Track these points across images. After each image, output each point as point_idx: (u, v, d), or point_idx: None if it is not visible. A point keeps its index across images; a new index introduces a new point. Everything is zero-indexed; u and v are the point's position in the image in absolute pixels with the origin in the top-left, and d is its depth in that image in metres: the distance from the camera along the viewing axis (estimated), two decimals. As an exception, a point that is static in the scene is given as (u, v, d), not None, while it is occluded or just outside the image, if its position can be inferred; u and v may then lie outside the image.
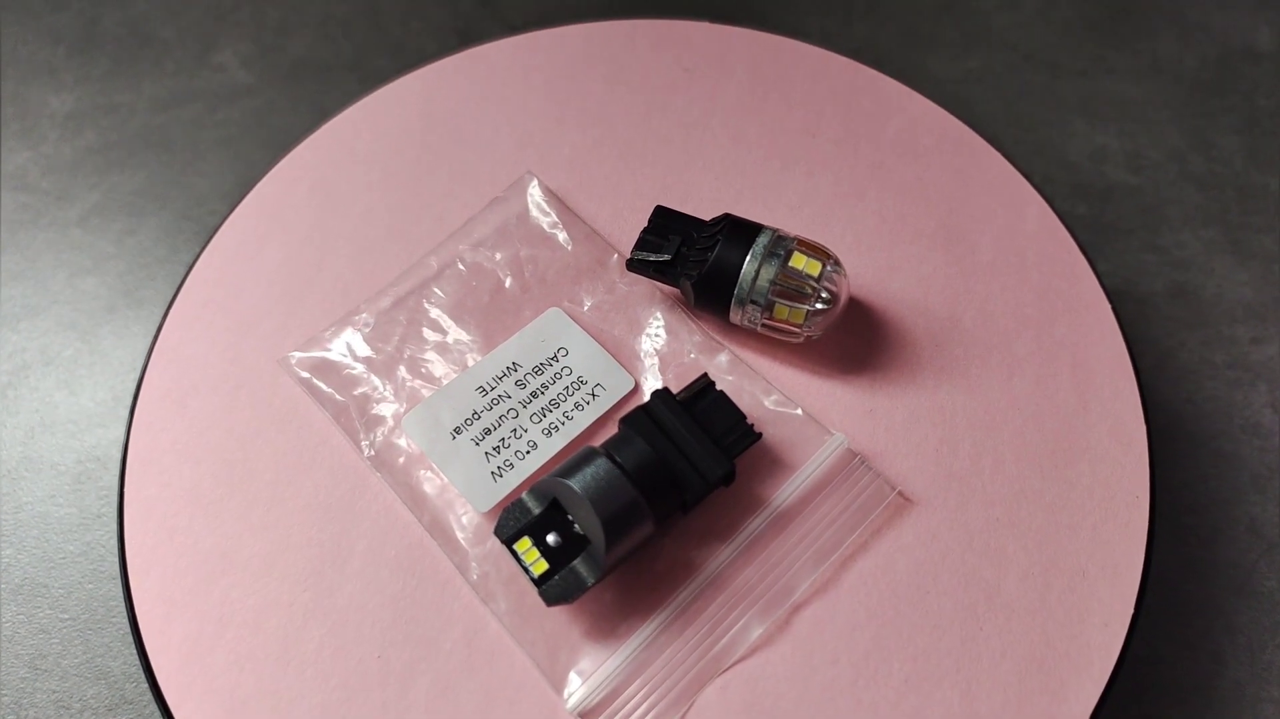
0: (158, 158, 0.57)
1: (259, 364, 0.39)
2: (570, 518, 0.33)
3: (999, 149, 0.43)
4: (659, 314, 0.39)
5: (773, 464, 0.36)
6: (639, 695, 0.32)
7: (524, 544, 0.32)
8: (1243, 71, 0.61)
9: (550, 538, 0.32)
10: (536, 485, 0.33)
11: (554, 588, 0.32)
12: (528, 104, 0.45)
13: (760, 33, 0.45)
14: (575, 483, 0.32)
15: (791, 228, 0.39)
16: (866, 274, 0.40)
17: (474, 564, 0.34)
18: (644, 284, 0.39)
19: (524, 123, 0.44)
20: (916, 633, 0.33)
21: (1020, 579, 0.34)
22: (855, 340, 0.39)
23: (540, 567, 0.32)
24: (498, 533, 0.32)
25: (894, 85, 0.44)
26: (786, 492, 0.35)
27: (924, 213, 0.41)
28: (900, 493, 0.35)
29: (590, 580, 0.32)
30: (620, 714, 0.32)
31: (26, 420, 0.48)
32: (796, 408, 0.37)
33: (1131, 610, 0.34)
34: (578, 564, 0.32)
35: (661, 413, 0.34)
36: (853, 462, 0.36)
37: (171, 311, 0.40)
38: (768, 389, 0.37)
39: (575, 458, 0.33)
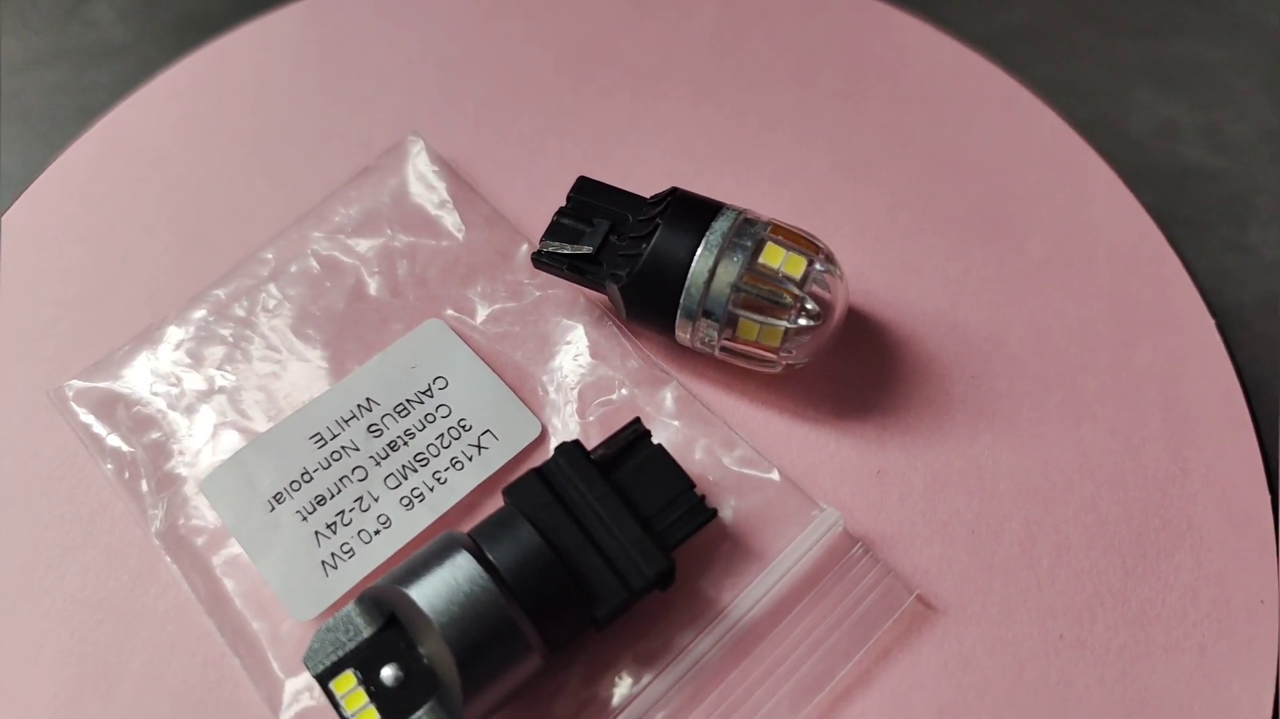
0: (10, 130, 0.46)
1: (28, 397, 0.28)
2: (416, 643, 0.22)
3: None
4: (582, 330, 0.28)
5: (734, 553, 0.25)
6: None
7: (345, 682, 0.21)
8: None
9: (387, 672, 0.21)
10: (368, 592, 0.22)
11: (390, 753, 0.21)
12: (426, 44, 0.33)
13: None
14: (418, 594, 0.21)
15: (770, 210, 0.28)
16: (874, 276, 0.29)
17: (287, 699, 0.23)
18: (563, 286, 0.28)
19: (418, 69, 0.33)
20: (942, 817, 0.22)
21: (1098, 732, 0.23)
22: (857, 370, 0.27)
23: (368, 717, 0.21)
24: (308, 662, 0.21)
25: (914, 24, 0.33)
26: (753, 596, 0.24)
27: (955, 192, 0.30)
28: (920, 597, 0.24)
29: (444, 740, 0.21)
30: None
31: None
32: (772, 469, 0.25)
33: (1264, 782, 0.23)
34: (424, 716, 0.21)
35: (567, 480, 0.23)
36: (852, 550, 0.24)
37: (-76, 321, 0.30)
38: (731, 440, 0.26)
39: (425, 552, 0.22)
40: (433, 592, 0.21)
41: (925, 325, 0.28)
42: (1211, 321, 0.28)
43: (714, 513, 0.24)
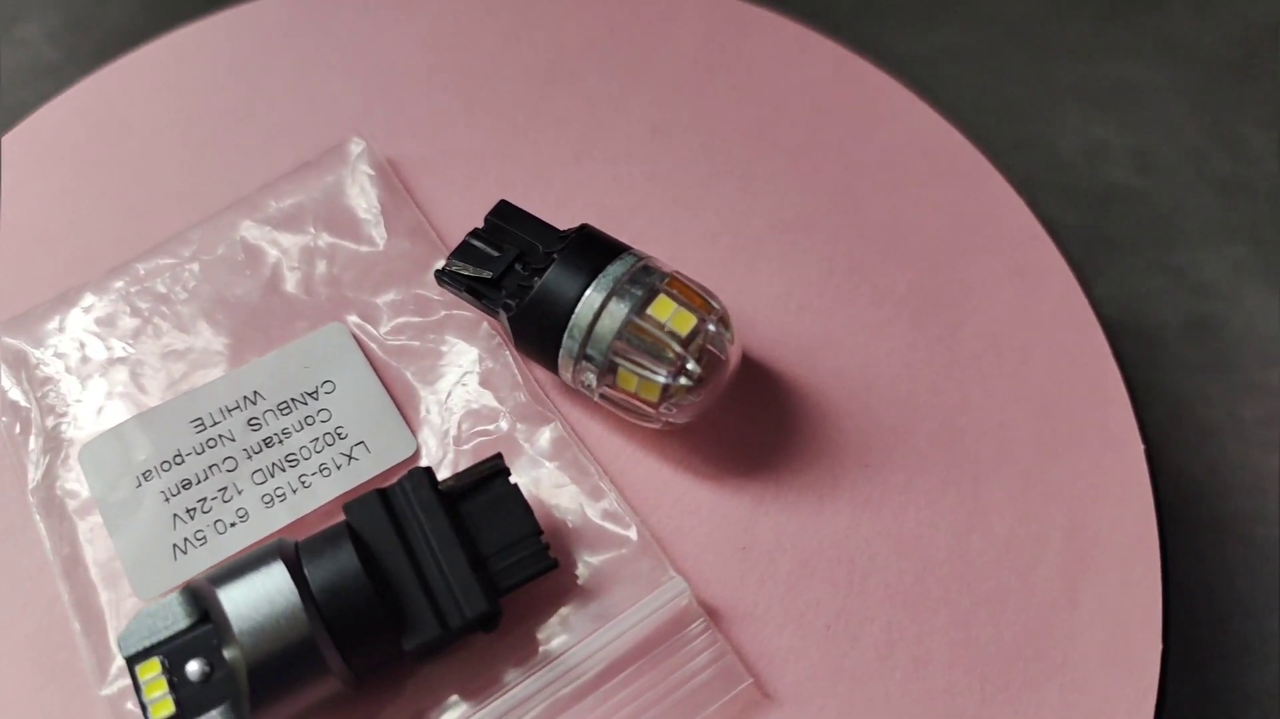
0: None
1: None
2: (223, 644, 0.21)
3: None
4: (477, 356, 0.27)
5: (577, 606, 0.24)
6: None
7: (150, 668, 0.21)
8: (1273, 52, 0.47)
9: (192, 667, 0.21)
10: (190, 585, 0.22)
11: (173, 747, 0.21)
12: (391, 48, 0.34)
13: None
14: (227, 596, 0.21)
15: (693, 262, 0.27)
16: (790, 344, 0.28)
17: (114, 673, 0.23)
18: (470, 309, 0.28)
19: (382, 71, 0.33)
20: None
21: None
22: (751, 437, 0.26)
23: (163, 708, 0.21)
24: (120, 643, 0.22)
25: (893, 86, 0.32)
26: (585, 652, 0.23)
27: (897, 268, 0.29)
28: (758, 684, 0.23)
29: (227, 746, 0.21)
30: None
31: None
32: (631, 527, 0.25)
33: None
34: (213, 715, 0.21)
35: (408, 506, 0.23)
36: (695, 623, 0.23)
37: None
38: (599, 491, 0.25)
39: (250, 556, 0.22)
40: (241, 597, 0.21)
41: (832, 403, 0.27)
42: (1142, 448, 0.26)
43: (554, 564, 0.23)
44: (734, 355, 0.25)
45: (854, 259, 0.29)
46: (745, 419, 0.26)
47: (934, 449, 0.26)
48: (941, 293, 0.28)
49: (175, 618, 0.22)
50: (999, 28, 0.41)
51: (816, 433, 0.26)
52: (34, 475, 0.26)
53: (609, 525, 0.25)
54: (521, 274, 0.26)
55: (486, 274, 0.26)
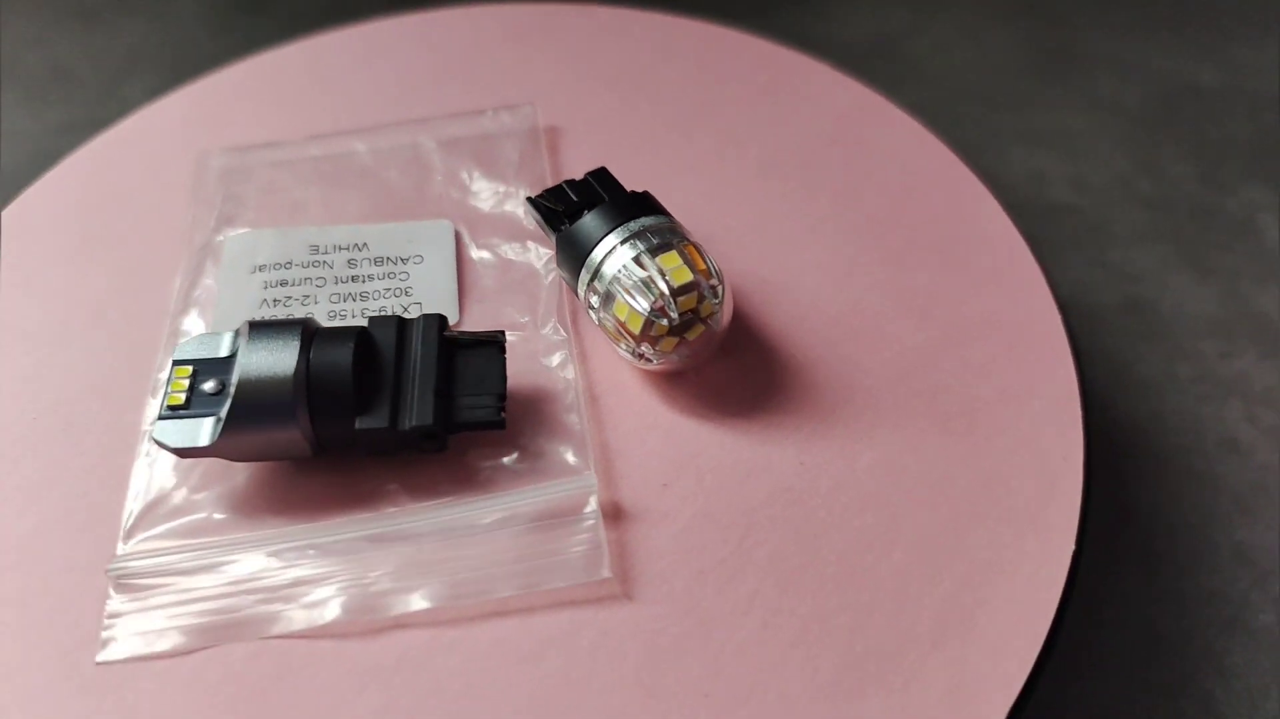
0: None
1: (183, 148, 0.38)
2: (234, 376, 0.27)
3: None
4: (542, 280, 0.33)
5: (510, 464, 0.28)
6: (180, 596, 0.26)
7: (183, 371, 0.28)
8: (1187, 106, 0.57)
9: (209, 384, 0.27)
10: (243, 326, 0.28)
11: (169, 427, 0.27)
12: (591, 52, 0.41)
13: (892, 105, 0.39)
14: (250, 342, 0.27)
15: (734, 260, 0.31)
16: (789, 340, 0.31)
17: (162, 381, 0.30)
18: (546, 245, 0.33)
19: (577, 66, 0.41)
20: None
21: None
22: (721, 397, 0.30)
23: (176, 399, 0.27)
24: (177, 350, 0.28)
25: (982, 193, 0.35)
26: (497, 498, 0.27)
27: (937, 308, 0.31)
28: (619, 580, 0.26)
29: (203, 441, 0.26)
30: (153, 598, 0.26)
31: None
32: (581, 425, 0.29)
33: None
34: (207, 420, 0.27)
35: (416, 335, 0.28)
36: (588, 513, 0.27)
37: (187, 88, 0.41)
38: (569, 392, 0.29)
39: (287, 320, 0.28)
40: (260, 348, 0.27)
41: (800, 402, 0.29)
42: (1072, 548, 0.27)
43: (501, 423, 0.27)
44: (720, 321, 0.28)
45: (903, 285, 0.32)
46: (720, 383, 0.30)
47: (872, 477, 0.28)
48: (970, 337, 0.31)
49: (218, 348, 0.28)
50: (952, 90, 0.52)
51: (775, 422, 0.29)
52: (199, 239, 0.34)
53: (564, 418, 0.29)
54: (581, 214, 0.31)
55: (559, 208, 0.31)
